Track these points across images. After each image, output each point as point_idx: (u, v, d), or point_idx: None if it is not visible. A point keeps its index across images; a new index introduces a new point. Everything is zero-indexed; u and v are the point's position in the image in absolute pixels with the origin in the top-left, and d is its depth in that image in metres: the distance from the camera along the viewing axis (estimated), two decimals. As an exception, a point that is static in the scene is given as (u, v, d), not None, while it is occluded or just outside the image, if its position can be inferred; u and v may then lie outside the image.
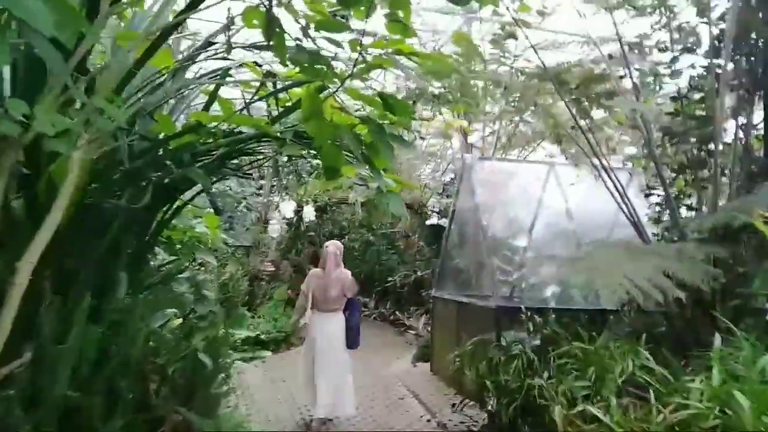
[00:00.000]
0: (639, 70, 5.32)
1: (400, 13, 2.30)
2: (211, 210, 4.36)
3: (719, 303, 3.46)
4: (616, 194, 4.89)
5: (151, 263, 3.70)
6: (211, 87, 2.95)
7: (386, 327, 10.50)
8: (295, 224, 8.73)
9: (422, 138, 12.65)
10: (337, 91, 2.73)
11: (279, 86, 3.16)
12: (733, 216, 3.06)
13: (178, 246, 4.54)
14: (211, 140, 2.81)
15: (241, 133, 2.92)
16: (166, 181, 2.84)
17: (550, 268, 4.38)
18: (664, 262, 2.88)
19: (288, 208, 8.63)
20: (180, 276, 4.02)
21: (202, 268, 6.52)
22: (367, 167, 3.49)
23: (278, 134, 3.03)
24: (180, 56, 3.05)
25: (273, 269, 8.84)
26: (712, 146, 4.21)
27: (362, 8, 2.20)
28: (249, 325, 7.44)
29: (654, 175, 5.23)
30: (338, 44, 2.39)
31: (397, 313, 10.23)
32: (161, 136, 2.68)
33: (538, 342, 4.14)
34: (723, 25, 4.13)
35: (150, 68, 2.59)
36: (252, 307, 8.14)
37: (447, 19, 8.50)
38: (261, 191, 9.35)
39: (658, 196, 4.76)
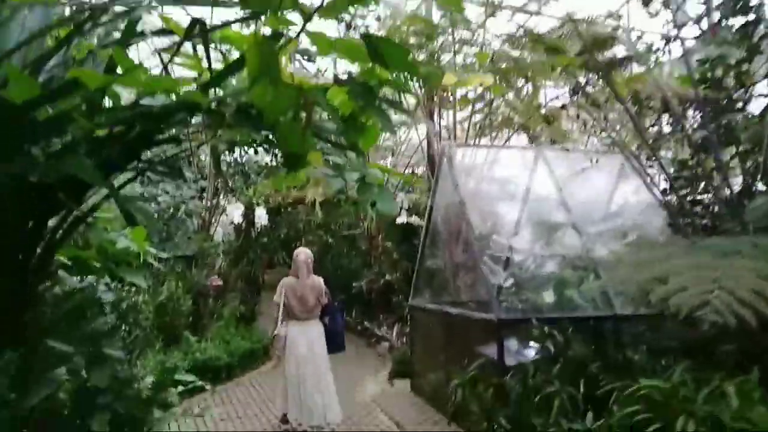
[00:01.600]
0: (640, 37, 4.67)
1: None
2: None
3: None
4: (647, 183, 4.22)
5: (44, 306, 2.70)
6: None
7: (354, 338, 9.62)
8: (245, 230, 7.69)
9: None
10: (299, 35, 1.85)
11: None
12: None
13: (97, 265, 3.52)
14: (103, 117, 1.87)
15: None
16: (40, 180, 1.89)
17: (617, 272, 3.61)
18: (758, 264, 2.15)
19: (236, 211, 7.58)
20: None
21: (132, 291, 5.43)
22: (343, 151, 2.61)
23: (213, 107, 2.09)
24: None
25: (220, 283, 7.78)
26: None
27: None
28: (195, 351, 6.38)
29: (675, 159, 4.61)
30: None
31: (365, 322, 9.36)
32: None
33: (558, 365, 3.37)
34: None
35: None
36: (198, 330, 7.06)
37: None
38: (204, 194, 8.28)
39: (685, 180, 4.10)
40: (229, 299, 7.94)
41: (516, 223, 5.51)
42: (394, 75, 1.90)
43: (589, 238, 5.18)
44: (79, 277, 3.67)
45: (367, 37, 1.77)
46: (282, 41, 1.88)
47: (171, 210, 7.70)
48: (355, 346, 9.10)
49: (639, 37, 4.19)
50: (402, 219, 8.52)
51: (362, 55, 1.87)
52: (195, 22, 2.02)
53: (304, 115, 2.09)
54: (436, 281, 6.17)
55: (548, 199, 5.52)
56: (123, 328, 5.03)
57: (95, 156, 1.98)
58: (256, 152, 15.68)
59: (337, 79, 1.93)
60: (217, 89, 2.18)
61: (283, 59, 2.05)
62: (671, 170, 5.06)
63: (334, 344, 5.08)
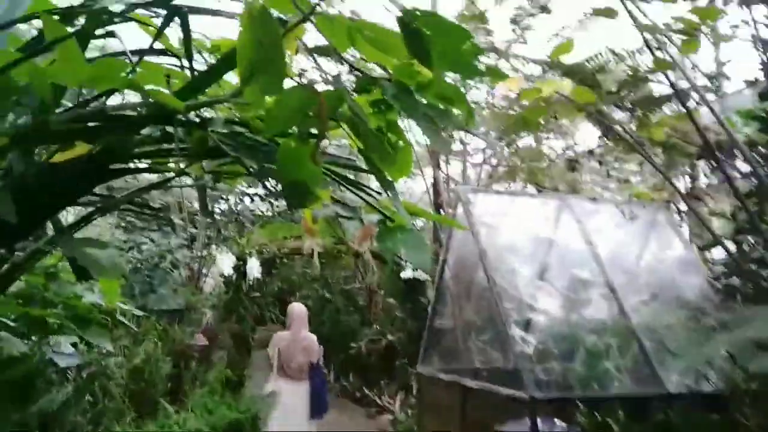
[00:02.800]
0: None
1: None
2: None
3: None
4: (683, 238, 3.69)
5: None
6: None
7: (351, 406, 8.78)
8: (235, 282, 7.06)
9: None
10: (311, 14, 1.37)
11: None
12: None
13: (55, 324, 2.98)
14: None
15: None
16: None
17: (673, 342, 3.03)
18: None
19: (226, 262, 6.99)
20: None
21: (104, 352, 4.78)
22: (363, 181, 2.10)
23: (192, 117, 1.58)
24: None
25: (205, 343, 7.07)
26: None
27: None
28: (172, 423, 5.60)
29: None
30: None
31: (364, 388, 8.56)
32: None
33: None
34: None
35: None
36: (178, 397, 6.29)
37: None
38: (194, 243, 7.69)
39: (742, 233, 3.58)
40: (215, 361, 7.20)
41: (540, 279, 4.93)
42: (443, 75, 1.38)
43: (625, 298, 4.60)
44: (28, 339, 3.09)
45: (405, 15, 1.25)
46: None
47: (155, 259, 7.10)
48: (352, 416, 8.27)
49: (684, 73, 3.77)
50: (407, 273, 7.92)
51: (396, 47, 1.37)
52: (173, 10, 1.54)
53: (314, 130, 1.58)
54: (449, 345, 5.53)
55: (576, 254, 4.98)
56: (86, 398, 4.35)
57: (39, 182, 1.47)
58: (251, 200, 15.33)
59: (365, 77, 1.42)
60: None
61: (288, 53, 1.56)
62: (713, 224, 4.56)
63: (315, 408, 4.93)
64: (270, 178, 1.81)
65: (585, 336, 4.46)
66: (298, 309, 5.11)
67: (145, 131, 1.73)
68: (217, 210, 12.43)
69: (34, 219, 1.59)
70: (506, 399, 3.99)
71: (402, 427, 6.81)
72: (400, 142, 1.69)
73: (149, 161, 1.88)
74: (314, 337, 5.05)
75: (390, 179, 1.72)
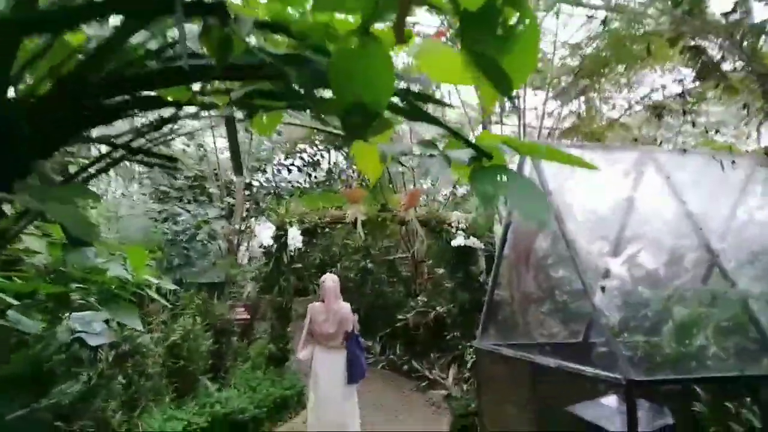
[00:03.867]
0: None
1: None
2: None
3: None
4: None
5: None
6: None
7: (399, 379, 8.43)
8: (275, 254, 6.68)
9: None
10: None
11: None
12: None
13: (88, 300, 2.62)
14: None
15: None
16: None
17: None
18: None
19: (265, 233, 6.60)
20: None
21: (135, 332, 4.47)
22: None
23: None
24: None
25: (247, 316, 6.77)
26: None
27: None
28: (215, 402, 5.32)
29: None
30: None
31: (413, 362, 8.16)
32: None
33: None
34: None
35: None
36: (219, 374, 6.02)
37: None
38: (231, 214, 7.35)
39: None
40: (257, 335, 6.91)
41: (623, 243, 4.31)
42: None
43: (726, 262, 3.94)
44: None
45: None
46: None
47: (192, 230, 6.78)
48: (401, 389, 7.92)
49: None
50: (457, 241, 7.37)
51: None
52: None
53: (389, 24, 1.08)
54: (514, 318, 5.00)
55: (664, 213, 4.32)
56: (117, 380, 4.05)
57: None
58: (289, 171, 14.94)
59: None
60: None
61: None
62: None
63: (352, 375, 5.00)
64: (319, 107, 1.29)
65: (680, 307, 3.84)
66: (329, 280, 5.19)
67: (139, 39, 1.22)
68: (255, 183, 12.13)
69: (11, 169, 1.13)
70: (587, 378, 3.45)
71: (457, 404, 6.38)
72: (522, 22, 1.13)
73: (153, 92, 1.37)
74: (348, 306, 5.13)
75: (506, 83, 1.16)
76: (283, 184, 15.86)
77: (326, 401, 4.88)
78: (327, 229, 7.12)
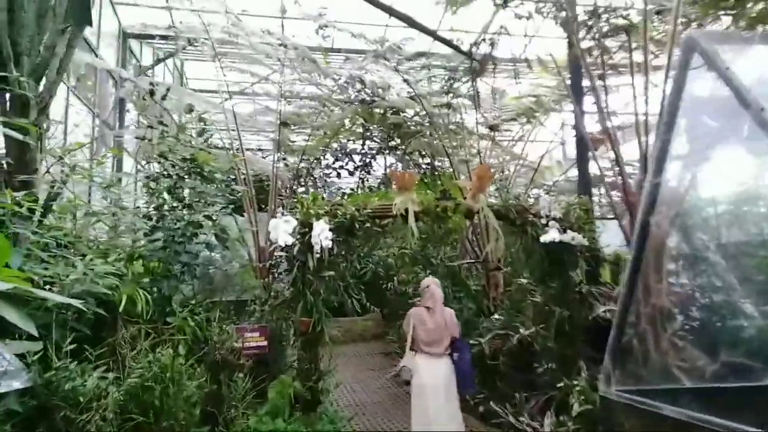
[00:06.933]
0: None
1: None
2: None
3: None
4: None
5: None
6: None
7: (472, 424, 6.41)
8: (299, 257, 4.96)
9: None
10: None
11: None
12: None
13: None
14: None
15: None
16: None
17: None
18: None
19: (283, 228, 4.89)
20: None
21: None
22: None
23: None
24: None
25: (263, 343, 5.05)
26: None
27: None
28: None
29: None
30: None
31: (491, 402, 6.15)
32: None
33: None
34: None
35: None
36: (216, 430, 4.29)
37: None
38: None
39: None
40: (275, 370, 5.19)
41: None
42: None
43: None
44: None
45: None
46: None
47: (190, 230, 5.20)
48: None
49: None
50: (549, 236, 5.37)
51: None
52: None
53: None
54: (676, 351, 2.97)
55: None
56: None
57: None
58: (338, 175, 13.39)
59: None
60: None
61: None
62: None
63: (463, 383, 4.89)
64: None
65: None
66: (434, 283, 5.08)
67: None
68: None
69: None
70: None
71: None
72: None
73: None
74: (452, 311, 5.04)
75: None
76: (333, 189, 14.33)
77: (436, 412, 4.68)
78: (368, 224, 5.32)
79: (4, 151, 4.12)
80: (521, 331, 6.19)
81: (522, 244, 6.07)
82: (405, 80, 8.18)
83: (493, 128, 8.95)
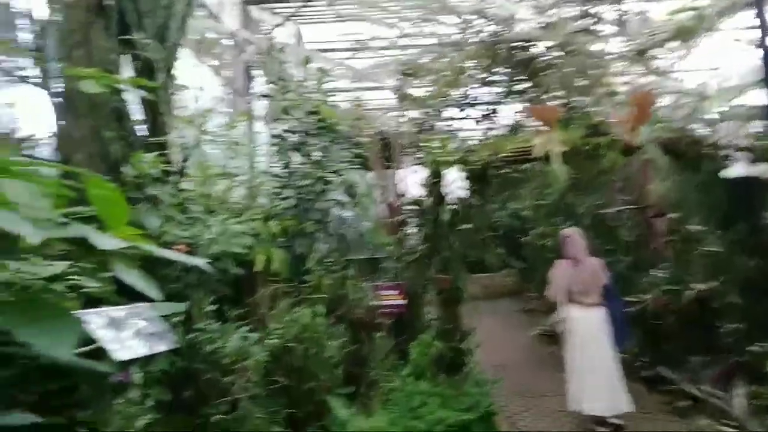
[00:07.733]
0: None
1: None
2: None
3: None
4: None
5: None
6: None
7: (639, 392, 5.63)
8: (431, 210, 4.59)
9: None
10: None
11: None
12: None
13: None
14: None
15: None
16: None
17: None
18: None
19: (412, 179, 4.54)
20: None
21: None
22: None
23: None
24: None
25: (401, 302, 4.82)
26: None
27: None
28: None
29: None
30: None
31: (658, 368, 5.39)
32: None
33: None
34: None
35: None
36: (359, 391, 4.15)
37: None
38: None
39: None
40: (415, 329, 4.94)
41: None
42: None
43: None
44: None
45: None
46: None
47: (320, 187, 5.06)
48: (644, 409, 5.19)
49: None
50: (735, 170, 4.39)
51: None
52: None
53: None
54: None
55: None
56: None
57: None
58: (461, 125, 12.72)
59: None
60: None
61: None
62: None
63: (618, 335, 4.68)
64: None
65: None
66: (575, 234, 4.97)
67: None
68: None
69: None
70: None
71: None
72: None
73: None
74: (600, 260, 4.86)
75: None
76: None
77: (593, 364, 4.57)
78: (507, 170, 4.77)
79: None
80: (697, 285, 5.27)
81: (697, 182, 5.09)
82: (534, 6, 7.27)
83: (642, 53, 7.71)
